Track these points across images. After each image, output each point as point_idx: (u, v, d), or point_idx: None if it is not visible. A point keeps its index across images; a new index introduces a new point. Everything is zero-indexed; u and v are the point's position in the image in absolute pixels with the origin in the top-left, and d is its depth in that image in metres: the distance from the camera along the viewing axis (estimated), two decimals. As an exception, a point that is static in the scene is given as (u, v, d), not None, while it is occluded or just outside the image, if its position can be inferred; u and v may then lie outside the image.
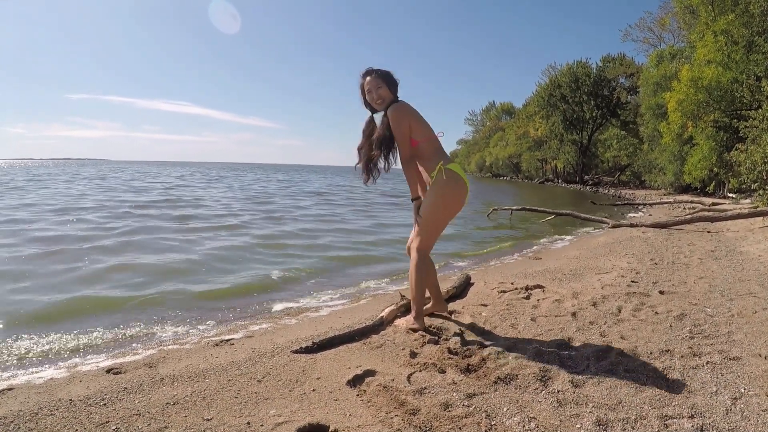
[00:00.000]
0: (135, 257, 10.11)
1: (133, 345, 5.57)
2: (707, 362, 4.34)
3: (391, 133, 5.03)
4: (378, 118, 5.27)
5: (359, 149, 5.24)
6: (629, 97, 78.69)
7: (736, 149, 22.83)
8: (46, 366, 4.90)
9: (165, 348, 5.27)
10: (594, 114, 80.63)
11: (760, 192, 20.84)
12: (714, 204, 25.73)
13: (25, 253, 10.17)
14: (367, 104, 5.23)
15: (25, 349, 5.43)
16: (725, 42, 30.26)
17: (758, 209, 17.00)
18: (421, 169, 5.24)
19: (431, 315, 5.63)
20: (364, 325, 5.14)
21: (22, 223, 14.38)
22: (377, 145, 5.09)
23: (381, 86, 5.07)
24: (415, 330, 5.10)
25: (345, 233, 14.61)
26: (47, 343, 5.56)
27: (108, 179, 48.14)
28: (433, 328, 5.10)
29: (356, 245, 12.61)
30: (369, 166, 5.18)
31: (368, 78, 5.11)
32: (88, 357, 5.15)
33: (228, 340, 5.32)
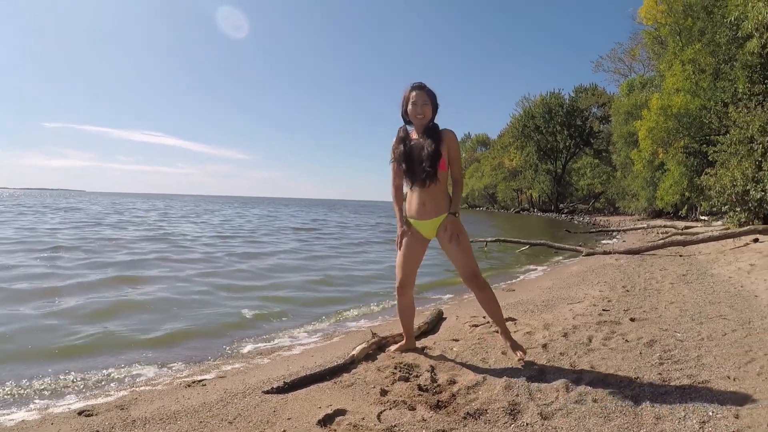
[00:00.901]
0: (107, 294, 9.97)
1: (105, 387, 5.50)
2: (676, 387, 4.38)
3: (436, 150, 5.08)
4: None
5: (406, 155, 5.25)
6: (602, 126, 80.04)
7: (706, 173, 23.27)
8: (17, 408, 4.84)
9: (137, 389, 5.23)
10: (567, 143, 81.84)
11: (731, 214, 21.24)
12: (687, 227, 26.07)
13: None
14: (405, 115, 5.33)
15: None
16: (693, 70, 30.86)
17: (729, 231, 17.27)
18: (419, 192, 5.25)
19: (403, 351, 5.65)
20: (335, 363, 5.12)
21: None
22: (429, 159, 5.08)
23: (427, 103, 5.17)
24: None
25: (334, 271, 14.44)
26: (18, 386, 5.48)
27: (83, 212, 47.25)
28: (404, 365, 5.08)
29: (335, 284, 12.53)
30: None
31: (418, 91, 5.18)
32: (60, 399, 5.09)
33: (200, 381, 5.27)
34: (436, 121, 5.35)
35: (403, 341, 5.77)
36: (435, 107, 5.26)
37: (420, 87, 5.21)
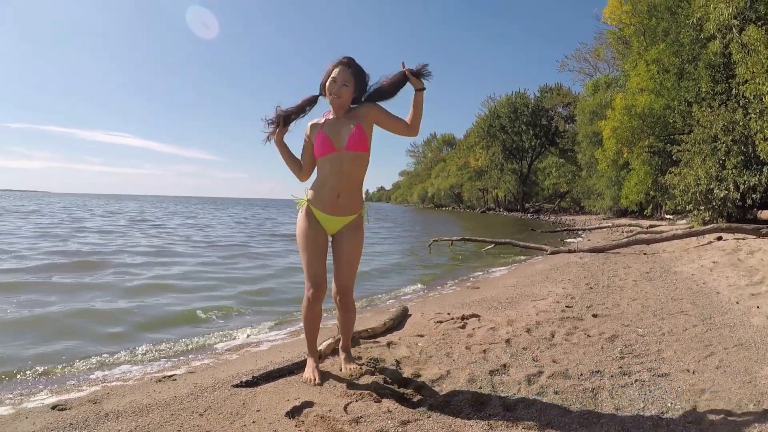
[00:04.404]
0: (77, 295, 9.89)
1: (77, 382, 5.49)
2: (636, 380, 4.48)
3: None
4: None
5: (285, 113, 4.62)
6: (567, 125, 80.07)
7: (670, 173, 23.43)
8: (-8, 403, 4.84)
9: (108, 384, 5.24)
10: (533, 143, 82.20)
11: (695, 212, 21.41)
12: (651, 226, 26.25)
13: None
14: (323, 88, 4.56)
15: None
16: (657, 70, 30.94)
17: (693, 229, 17.41)
18: (335, 180, 4.53)
19: (361, 342, 5.65)
20: (302, 358, 5.14)
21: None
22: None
23: (347, 84, 4.44)
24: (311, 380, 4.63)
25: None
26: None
27: (49, 216, 45.63)
28: (370, 359, 5.15)
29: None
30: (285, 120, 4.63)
31: (341, 68, 4.45)
32: (32, 395, 5.07)
33: (170, 376, 5.30)
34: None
35: (313, 366, 4.83)
36: (360, 90, 4.58)
37: (346, 64, 4.49)
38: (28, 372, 5.81)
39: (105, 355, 6.49)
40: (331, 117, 4.62)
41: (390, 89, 4.55)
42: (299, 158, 4.81)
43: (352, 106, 4.63)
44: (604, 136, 36.30)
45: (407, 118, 4.53)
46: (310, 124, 4.73)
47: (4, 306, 8.66)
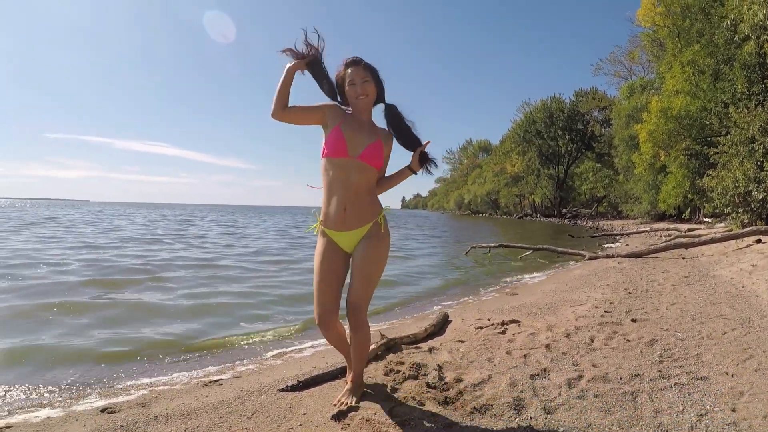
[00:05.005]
0: (121, 306, 9.99)
1: (125, 387, 5.64)
2: (675, 383, 4.52)
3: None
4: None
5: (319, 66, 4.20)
6: (603, 129, 79.38)
7: (708, 175, 23.13)
8: (41, 407, 4.98)
9: (156, 389, 5.37)
10: (569, 148, 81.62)
11: (734, 215, 21.16)
12: (690, 230, 26.00)
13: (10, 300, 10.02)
14: (343, 96, 4.31)
15: (20, 390, 5.52)
16: (692, 72, 30.74)
17: (732, 232, 17.25)
18: (341, 193, 4.14)
19: (403, 347, 5.75)
20: (347, 363, 5.23)
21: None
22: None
23: (367, 80, 4.17)
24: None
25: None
26: (40, 386, 5.64)
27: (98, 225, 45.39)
28: (412, 364, 5.19)
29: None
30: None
31: (353, 68, 4.18)
32: (82, 398, 5.22)
33: (217, 381, 5.43)
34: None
35: (350, 382, 4.53)
36: (380, 85, 4.29)
37: (355, 62, 4.20)
38: (75, 377, 5.98)
39: (151, 361, 6.66)
40: (353, 114, 4.32)
41: (401, 137, 4.37)
42: (291, 103, 4.15)
43: (379, 127, 4.36)
44: (641, 140, 36.11)
45: (383, 179, 4.45)
46: (333, 102, 4.34)
47: (54, 321, 8.80)
